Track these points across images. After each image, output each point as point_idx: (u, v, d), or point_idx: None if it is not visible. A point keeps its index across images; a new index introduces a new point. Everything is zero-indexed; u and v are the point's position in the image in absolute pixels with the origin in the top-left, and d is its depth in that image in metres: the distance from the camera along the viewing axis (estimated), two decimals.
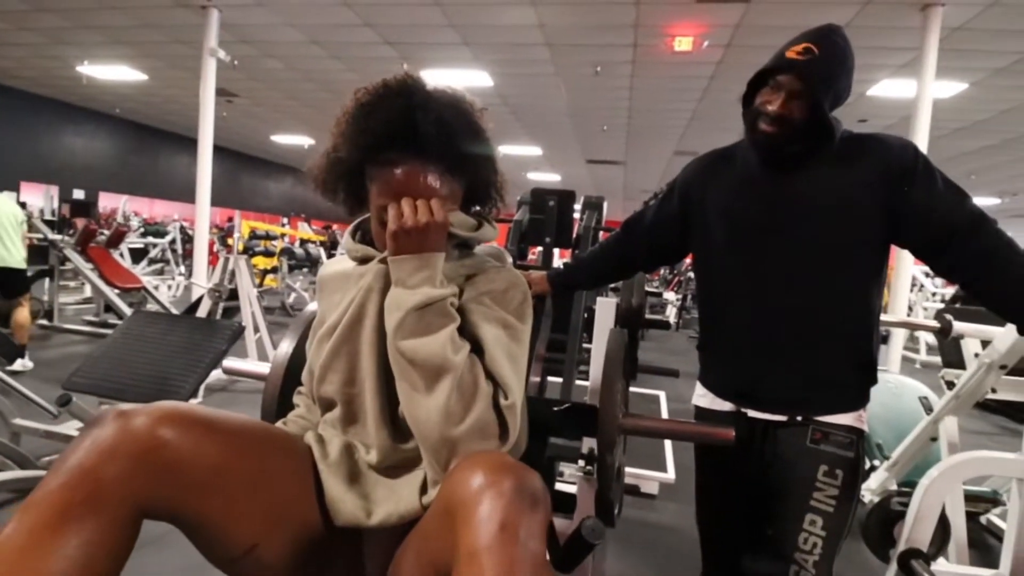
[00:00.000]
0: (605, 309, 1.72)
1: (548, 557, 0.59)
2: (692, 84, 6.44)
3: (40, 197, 10.74)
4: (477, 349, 0.76)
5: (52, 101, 10.53)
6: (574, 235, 2.25)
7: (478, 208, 0.90)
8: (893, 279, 4.23)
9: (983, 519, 2.41)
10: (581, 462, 1.46)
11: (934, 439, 2.13)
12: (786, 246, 1.10)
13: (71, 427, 2.30)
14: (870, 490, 2.35)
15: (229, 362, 1.22)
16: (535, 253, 2.73)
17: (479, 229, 0.87)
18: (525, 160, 12.34)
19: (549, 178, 14.26)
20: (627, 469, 2.40)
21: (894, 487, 2.28)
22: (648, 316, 1.74)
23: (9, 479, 1.97)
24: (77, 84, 8.90)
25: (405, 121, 0.77)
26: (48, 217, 9.62)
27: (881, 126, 7.55)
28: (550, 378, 1.75)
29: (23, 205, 9.19)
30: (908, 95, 4.48)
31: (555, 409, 1.10)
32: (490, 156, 0.86)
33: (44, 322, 5.08)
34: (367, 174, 0.81)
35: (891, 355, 4.29)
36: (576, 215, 2.36)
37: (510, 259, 0.98)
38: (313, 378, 0.85)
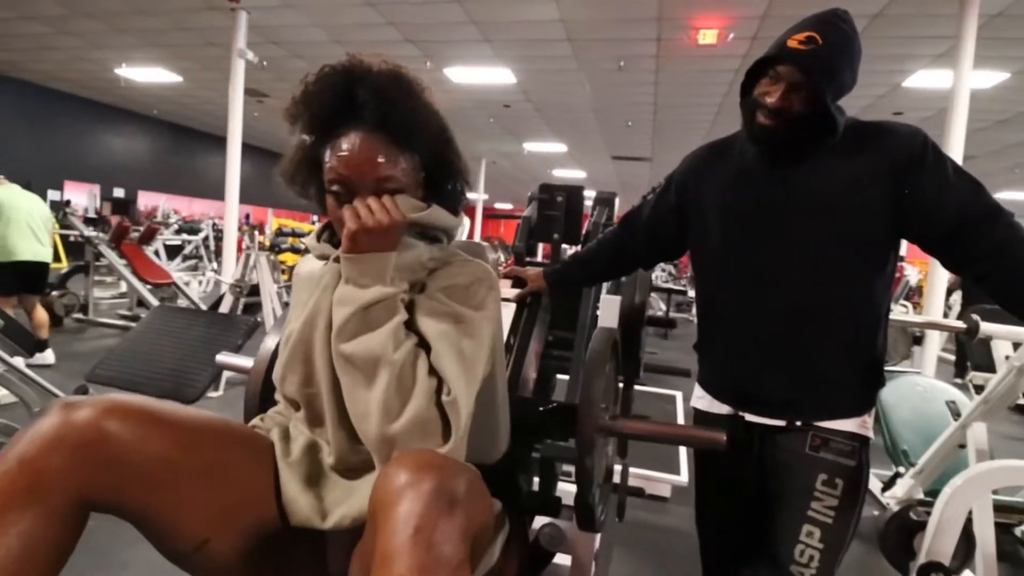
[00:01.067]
0: (608, 307, 1.68)
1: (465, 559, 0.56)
2: (718, 78, 6.30)
3: (83, 196, 11.21)
4: (425, 345, 0.73)
5: (93, 103, 10.95)
6: (583, 231, 2.21)
7: (446, 194, 0.86)
8: (928, 276, 4.06)
9: (1018, 531, 2.29)
10: None
11: (962, 446, 2.03)
12: (783, 242, 1.05)
13: None
14: (895, 498, 2.25)
15: (222, 356, 1.23)
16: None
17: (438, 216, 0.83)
18: (550, 157, 12.29)
19: (574, 175, 14.18)
20: (637, 471, 2.36)
21: (920, 495, 2.18)
22: (652, 314, 1.69)
23: None
24: (116, 86, 9.23)
25: (346, 94, 0.76)
26: (91, 215, 10.03)
27: (917, 119, 7.25)
28: (559, 376, 1.73)
29: (67, 203, 9.63)
30: (945, 86, 4.28)
31: (540, 409, 1.07)
32: (441, 130, 0.82)
33: (79, 316, 5.27)
34: (321, 158, 0.78)
35: (926, 356, 4.12)
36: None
37: (492, 256, 0.94)
38: (277, 379, 0.84)
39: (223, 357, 1.21)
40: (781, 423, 1.09)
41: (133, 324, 5.16)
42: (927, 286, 4.08)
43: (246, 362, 1.10)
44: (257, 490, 0.75)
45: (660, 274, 9.52)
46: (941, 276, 4.02)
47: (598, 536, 1.62)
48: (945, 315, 5.50)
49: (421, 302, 0.77)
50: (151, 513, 0.65)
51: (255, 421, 0.90)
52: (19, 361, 2.44)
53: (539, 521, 1.05)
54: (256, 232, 4.35)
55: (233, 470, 0.73)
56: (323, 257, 0.84)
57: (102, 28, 6.51)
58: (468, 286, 0.79)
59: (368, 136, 0.75)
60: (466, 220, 0.90)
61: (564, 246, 2.08)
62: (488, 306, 0.80)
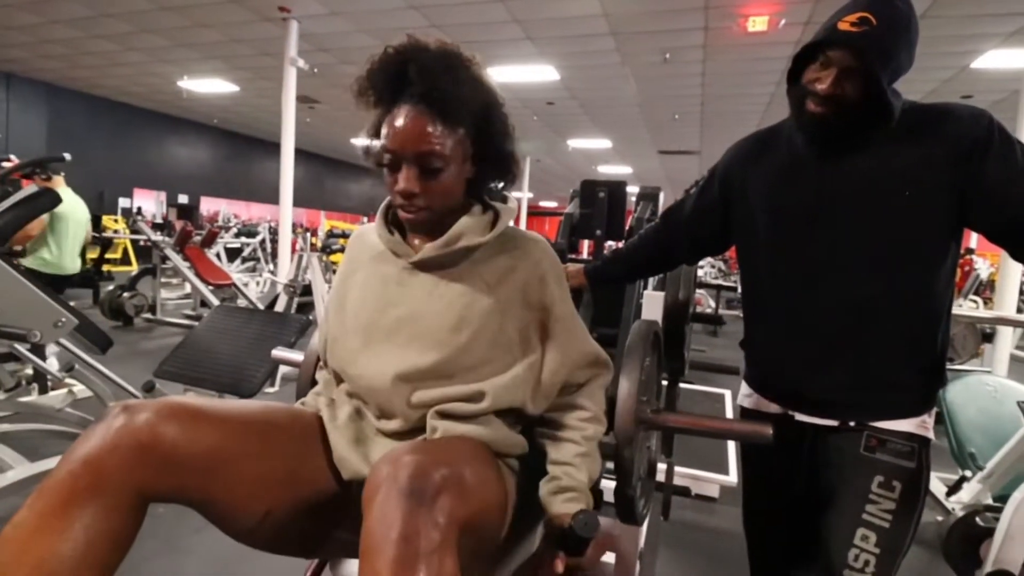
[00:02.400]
0: (651, 303, 1.67)
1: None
2: (769, 66, 6.09)
3: (151, 202, 11.90)
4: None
5: (158, 114, 11.60)
6: (627, 227, 2.19)
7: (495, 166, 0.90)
8: (1000, 269, 3.81)
9: None
10: None
11: None
12: (835, 234, 1.01)
13: None
14: (960, 503, 2.13)
15: (277, 351, 1.29)
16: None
17: (495, 224, 0.89)
18: (595, 153, 12.18)
19: (620, 171, 14.00)
20: (684, 470, 2.32)
21: (988, 500, 2.06)
22: (699, 311, 1.66)
23: None
24: (178, 98, 9.74)
25: (398, 73, 0.80)
26: (159, 221, 10.62)
27: (988, 102, 6.81)
28: None
29: (139, 211, 10.24)
30: (1018, 66, 4.00)
31: None
32: (487, 104, 0.85)
33: (148, 316, 5.59)
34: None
35: (997, 354, 3.87)
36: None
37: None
38: (327, 345, 0.91)
39: (278, 352, 1.27)
40: (834, 423, 1.05)
41: (196, 323, 5.44)
42: (999, 279, 3.83)
43: (298, 356, 1.15)
44: (307, 458, 0.80)
45: (709, 270, 9.28)
46: (1014, 269, 3.77)
47: (643, 534, 1.61)
48: (1020, 310, 5.16)
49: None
50: (211, 498, 0.70)
51: (299, 403, 0.96)
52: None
53: None
54: (309, 234, 4.50)
55: (281, 445, 0.78)
56: (394, 251, 0.89)
57: (164, 43, 6.88)
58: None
59: (413, 110, 0.79)
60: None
61: (608, 242, 2.06)
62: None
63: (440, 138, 0.79)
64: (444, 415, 0.82)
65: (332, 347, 0.91)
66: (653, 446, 1.17)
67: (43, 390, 2.97)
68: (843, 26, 0.92)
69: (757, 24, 4.98)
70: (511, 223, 0.92)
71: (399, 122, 0.79)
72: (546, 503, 0.84)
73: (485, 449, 0.81)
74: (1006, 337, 3.94)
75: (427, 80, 0.78)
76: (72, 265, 3.65)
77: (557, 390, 0.91)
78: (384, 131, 0.81)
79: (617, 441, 0.91)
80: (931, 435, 1.03)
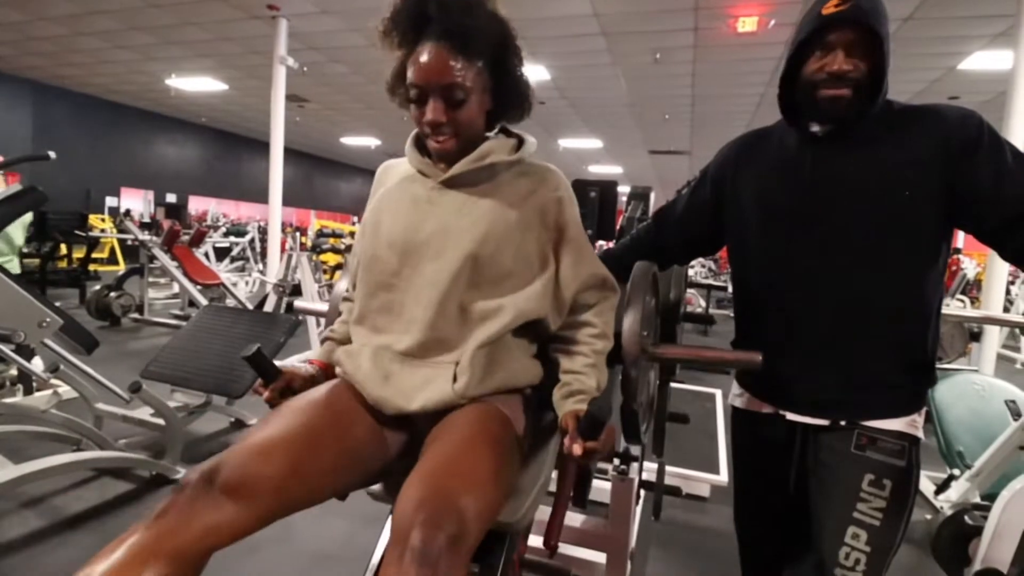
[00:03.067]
0: None
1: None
2: (759, 66, 6.13)
3: (139, 201, 11.78)
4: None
5: (146, 113, 11.48)
6: (618, 227, 2.19)
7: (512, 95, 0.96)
8: (987, 269, 3.85)
9: None
10: (616, 460, 1.43)
11: (1023, 447, 1.92)
12: (825, 233, 1.01)
13: (145, 412, 2.49)
14: (949, 501, 2.15)
15: (299, 302, 1.46)
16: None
17: (520, 147, 0.96)
18: (586, 153, 12.21)
19: (611, 170, 14.04)
20: (674, 469, 2.32)
21: (977, 499, 2.07)
22: (690, 311, 1.67)
23: (89, 459, 2.16)
24: (166, 96, 9.65)
25: (419, 11, 0.86)
26: (145, 220, 10.52)
27: (975, 103, 6.89)
28: None
29: (127, 212, 10.13)
30: (1005, 67, 4.04)
31: None
32: (503, 36, 0.90)
33: (135, 316, 5.53)
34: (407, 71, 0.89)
35: (984, 353, 3.91)
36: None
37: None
38: (362, 267, 0.97)
39: (300, 303, 1.42)
40: (825, 422, 1.05)
41: (184, 323, 5.39)
42: (985, 279, 3.87)
43: (321, 306, 1.24)
44: (356, 428, 0.86)
45: (700, 270, 9.32)
46: (1001, 268, 3.81)
47: (634, 534, 1.61)
48: (1006, 309, 5.22)
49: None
50: (293, 509, 0.76)
51: (327, 331, 1.07)
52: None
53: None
54: (298, 234, 4.47)
55: (331, 442, 0.82)
56: (421, 172, 0.96)
57: (153, 41, 6.81)
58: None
59: (435, 46, 0.85)
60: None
61: (599, 242, 2.06)
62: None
63: (462, 71, 0.86)
64: (472, 356, 0.88)
65: (371, 265, 0.94)
66: (651, 381, 1.24)
67: (28, 391, 2.93)
68: (828, 10, 0.94)
69: (747, 25, 5.01)
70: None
71: (423, 58, 0.85)
72: (558, 406, 0.92)
73: (500, 428, 0.85)
74: (993, 336, 3.98)
75: (447, 16, 0.85)
76: (13, 268, 3.55)
77: (570, 305, 0.97)
78: (409, 69, 0.87)
79: (625, 363, 0.99)
80: (921, 434, 1.03)
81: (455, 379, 0.87)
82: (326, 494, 0.81)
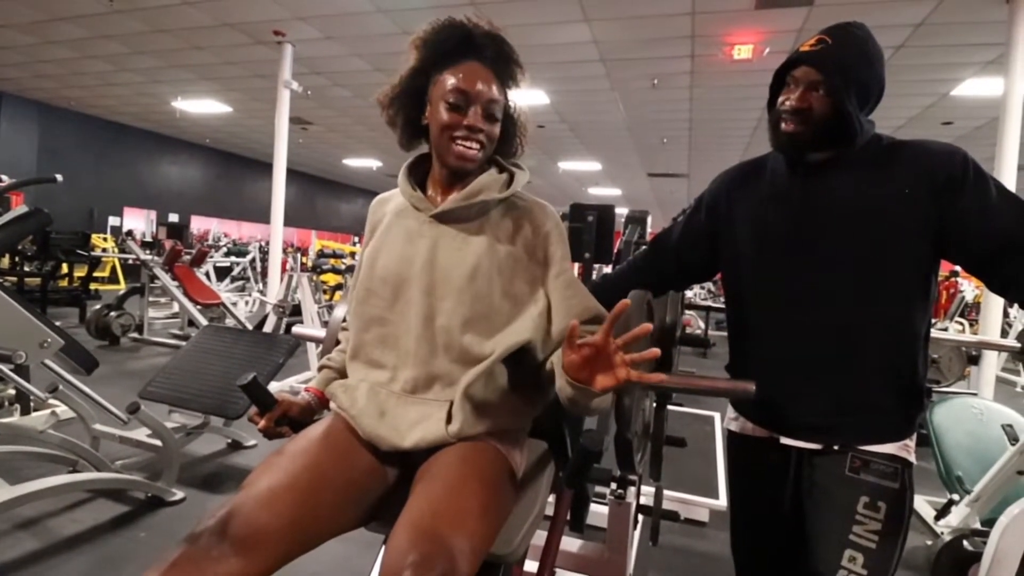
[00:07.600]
0: None
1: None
2: (754, 92, 6.23)
3: (141, 221, 11.85)
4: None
5: (149, 133, 11.62)
6: (615, 250, 2.22)
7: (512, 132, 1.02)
8: (984, 292, 3.87)
9: None
10: (613, 485, 1.42)
11: (1022, 472, 1.92)
12: (816, 260, 1.04)
13: (142, 433, 2.48)
14: (948, 527, 2.13)
15: (298, 328, 1.45)
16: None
17: (510, 183, 0.99)
18: (585, 175, 12.32)
19: (610, 192, 14.15)
20: (673, 494, 2.31)
21: (976, 524, 2.06)
22: (688, 333, 1.68)
23: (85, 480, 2.15)
24: (172, 118, 9.77)
25: (465, 36, 0.93)
26: (147, 239, 10.57)
27: (968, 128, 6.99)
28: None
29: (129, 233, 10.17)
30: (996, 94, 4.12)
31: None
32: (520, 81, 0.99)
33: (135, 335, 5.52)
34: (431, 80, 0.94)
35: (983, 376, 3.90)
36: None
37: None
38: (357, 301, 0.99)
39: (299, 329, 1.42)
40: (818, 446, 1.06)
41: (184, 343, 5.39)
42: (983, 303, 3.89)
43: (320, 332, 1.24)
44: (356, 464, 0.88)
45: (699, 291, 9.34)
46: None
47: (632, 559, 1.60)
48: (1004, 332, 5.22)
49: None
50: (293, 559, 0.77)
51: (324, 360, 1.08)
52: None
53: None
54: (299, 254, 4.50)
55: (333, 480, 0.83)
56: (414, 206, 0.98)
57: (159, 64, 6.93)
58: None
59: (483, 66, 0.93)
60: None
61: (597, 266, 2.08)
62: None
63: (500, 94, 0.95)
64: (465, 395, 0.89)
65: (366, 299, 0.96)
66: (647, 409, 1.24)
67: (25, 411, 2.92)
68: (804, 48, 1.02)
69: (742, 52, 5.11)
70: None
71: (473, 71, 0.92)
72: (556, 364, 0.90)
73: (491, 463, 0.87)
74: (991, 360, 3.98)
75: (499, 48, 0.94)
76: None
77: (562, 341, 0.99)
78: (451, 78, 0.92)
79: (617, 392, 0.98)
80: (913, 459, 1.04)
81: (449, 419, 0.88)
82: (333, 533, 0.82)
